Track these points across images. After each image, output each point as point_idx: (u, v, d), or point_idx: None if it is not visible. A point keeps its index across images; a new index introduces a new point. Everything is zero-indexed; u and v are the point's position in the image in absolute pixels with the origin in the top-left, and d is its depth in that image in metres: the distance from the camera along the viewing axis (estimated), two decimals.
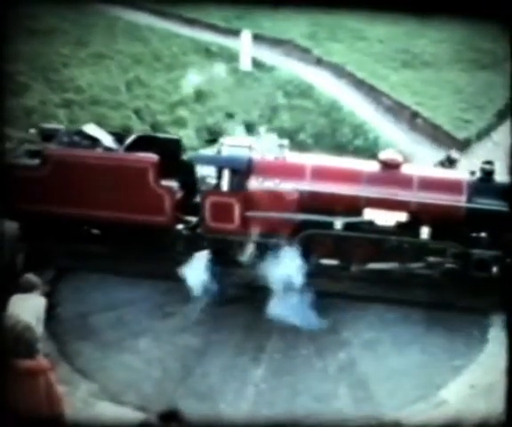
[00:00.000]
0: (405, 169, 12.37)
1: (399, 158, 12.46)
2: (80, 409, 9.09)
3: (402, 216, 12.00)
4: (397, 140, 19.23)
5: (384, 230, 12.04)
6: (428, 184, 12.12)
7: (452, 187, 12.08)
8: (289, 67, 22.62)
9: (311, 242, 12.28)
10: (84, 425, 8.63)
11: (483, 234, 12.12)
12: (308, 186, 12.17)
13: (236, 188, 12.35)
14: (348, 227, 12.08)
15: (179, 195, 12.85)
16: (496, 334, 10.91)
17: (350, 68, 22.22)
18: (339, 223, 12.03)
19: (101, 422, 8.66)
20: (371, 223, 12.03)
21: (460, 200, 11.90)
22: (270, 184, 12.26)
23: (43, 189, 12.92)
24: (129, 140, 13.51)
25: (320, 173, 12.25)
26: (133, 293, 12.68)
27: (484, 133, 19.14)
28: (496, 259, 11.84)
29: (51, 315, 10.07)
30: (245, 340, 11.46)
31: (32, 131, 14.05)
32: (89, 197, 12.79)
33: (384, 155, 12.59)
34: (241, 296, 12.38)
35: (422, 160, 18.36)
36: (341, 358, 11.06)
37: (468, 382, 9.95)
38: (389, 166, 12.27)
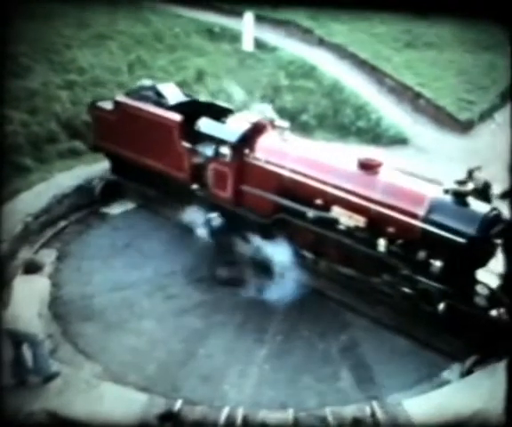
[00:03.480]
0: (381, 173, 11.48)
1: (376, 161, 11.64)
2: (83, 390, 9.12)
3: (360, 221, 11.27)
4: (400, 121, 19.23)
5: (346, 233, 11.46)
6: (391, 192, 11.09)
7: (413, 201, 10.84)
8: (291, 48, 22.56)
9: (285, 228, 12.31)
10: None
11: (437, 262, 10.45)
12: (286, 171, 12.18)
13: (232, 159, 12.67)
14: (319, 222, 11.78)
15: (196, 158, 13.38)
16: None
17: (353, 49, 22.16)
18: (310, 215, 11.80)
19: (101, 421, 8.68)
20: (335, 222, 11.55)
21: (418, 217, 10.71)
22: (259, 161, 12.50)
23: (112, 131, 14.87)
24: (179, 100, 14.57)
25: (301, 162, 12.15)
26: (136, 275, 12.72)
27: (487, 115, 19.12)
28: (442, 294, 10.38)
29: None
30: (247, 321, 11.48)
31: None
32: (138, 144, 14.36)
33: (363, 156, 11.83)
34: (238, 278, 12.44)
35: (425, 141, 18.43)
36: (343, 339, 11.08)
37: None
38: (364, 167, 11.53)
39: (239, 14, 22.77)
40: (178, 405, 8.77)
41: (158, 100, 14.48)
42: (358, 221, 11.23)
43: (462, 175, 15.68)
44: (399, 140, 18.60)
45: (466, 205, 10.57)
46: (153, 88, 14.84)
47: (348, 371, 10.32)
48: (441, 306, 10.34)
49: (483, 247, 10.32)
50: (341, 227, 11.44)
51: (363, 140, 18.67)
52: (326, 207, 11.63)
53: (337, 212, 11.47)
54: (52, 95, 17.90)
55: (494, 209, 10.58)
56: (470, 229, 10.22)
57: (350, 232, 11.35)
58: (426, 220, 10.60)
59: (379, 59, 21.62)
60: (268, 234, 12.44)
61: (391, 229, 10.89)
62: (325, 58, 22.17)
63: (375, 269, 11.26)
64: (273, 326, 11.29)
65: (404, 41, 23.05)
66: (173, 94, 14.79)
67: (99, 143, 15.46)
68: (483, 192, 11.75)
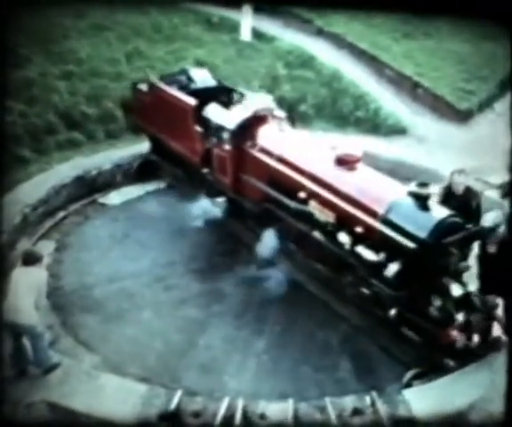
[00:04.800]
0: (356, 169, 11.30)
1: (354, 157, 11.40)
2: (83, 381, 9.12)
3: (330, 217, 11.08)
4: (399, 111, 19.21)
5: (319, 227, 11.32)
6: (357, 190, 10.80)
7: (375, 200, 10.49)
8: (290, 37, 22.51)
9: (271, 218, 12.41)
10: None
11: (393, 266, 9.89)
12: (274, 162, 12.19)
13: (231, 146, 12.83)
14: (298, 215, 11.73)
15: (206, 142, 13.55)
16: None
17: (351, 39, 22.12)
18: (291, 207, 11.77)
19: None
20: (311, 216, 11.45)
21: (377, 217, 10.33)
22: (254, 150, 12.58)
23: (146, 112, 15.56)
24: (205, 85, 14.86)
25: (288, 153, 12.12)
26: (135, 265, 12.73)
27: (486, 104, 19.10)
28: (394, 300, 10.02)
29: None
30: (246, 311, 11.49)
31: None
32: (165, 126, 14.94)
33: (342, 149, 11.57)
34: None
35: (424, 131, 18.41)
36: (343, 329, 11.09)
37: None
38: (341, 163, 11.33)
39: (237, 4, 22.69)
40: (175, 403, 8.73)
41: (187, 84, 14.85)
42: (329, 216, 11.09)
43: (461, 165, 15.77)
44: (398, 130, 18.60)
45: (425, 208, 10.08)
46: (185, 72, 15.33)
47: (348, 361, 10.33)
48: (392, 312, 10.02)
49: (436, 254, 9.66)
50: (316, 221, 11.35)
51: (361, 130, 18.67)
52: (307, 201, 11.50)
53: (312, 206, 11.38)
54: (49, 86, 17.85)
55: (453, 216, 9.99)
56: (422, 234, 9.71)
57: (322, 227, 11.24)
58: (383, 221, 10.19)
59: (377, 49, 21.58)
60: (260, 223, 12.63)
61: (358, 229, 10.51)
62: (324, 48, 22.11)
63: (342, 268, 11.07)
64: (272, 317, 11.30)
65: (402, 31, 22.99)
66: (202, 79, 15.12)
67: (137, 123, 16.43)
68: (463, 198, 10.95)
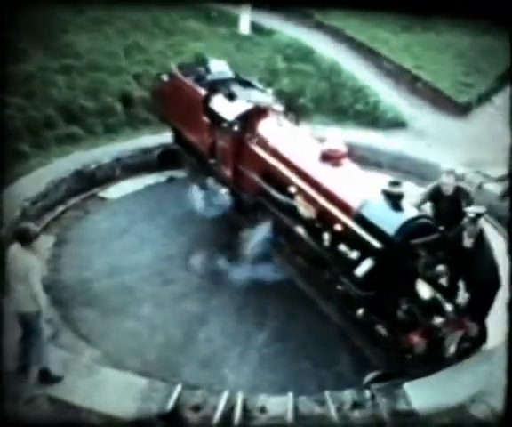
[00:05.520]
0: (341, 165, 11.11)
1: (339, 152, 11.23)
2: (84, 375, 9.13)
3: (312, 212, 11.01)
4: (398, 105, 19.21)
5: (302, 222, 11.26)
6: (335, 186, 10.65)
7: (349, 198, 10.30)
8: (288, 31, 22.49)
9: (263, 211, 12.43)
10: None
11: (364, 265, 9.61)
12: (267, 155, 12.20)
13: (231, 138, 12.90)
14: (285, 209, 11.71)
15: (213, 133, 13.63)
16: (496, 300, 10.90)
17: (350, 32, 22.10)
18: (279, 201, 11.76)
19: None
20: (295, 210, 11.41)
21: (349, 215, 10.16)
22: (252, 143, 12.62)
23: (167, 102, 15.87)
24: (220, 77, 14.82)
25: (280, 147, 12.09)
26: (135, 259, 12.74)
27: (485, 98, 19.10)
28: (360, 300, 9.79)
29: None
30: (246, 305, 11.49)
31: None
32: (181, 116, 15.10)
33: (327, 144, 11.43)
34: None
35: (423, 124, 18.41)
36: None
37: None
38: (325, 158, 11.18)
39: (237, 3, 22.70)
40: (173, 400, 8.73)
41: (204, 75, 14.86)
42: (311, 212, 11.03)
43: (460, 158, 15.81)
44: (397, 124, 18.61)
45: (397, 208, 9.78)
46: (204, 63, 15.43)
47: (348, 355, 10.34)
48: (359, 312, 9.77)
49: (403, 255, 9.40)
50: (300, 216, 11.31)
51: (361, 124, 18.68)
52: (295, 196, 11.44)
53: (298, 201, 11.33)
54: (48, 80, 17.83)
55: (424, 217, 9.76)
56: (389, 233, 9.48)
57: (306, 223, 11.18)
58: (355, 218, 10.00)
59: (376, 42, 21.58)
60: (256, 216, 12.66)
61: (337, 226, 10.34)
62: (323, 41, 22.10)
63: (320, 265, 10.95)
64: (272, 310, 11.31)
65: (401, 24, 22.98)
66: (218, 71, 15.13)
67: (162, 113, 16.51)
68: (453, 199, 10.76)
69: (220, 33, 22.56)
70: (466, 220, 9.60)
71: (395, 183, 9.97)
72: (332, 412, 8.61)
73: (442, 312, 9.34)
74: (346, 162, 11.24)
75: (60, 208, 14.38)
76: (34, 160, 15.21)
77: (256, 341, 10.66)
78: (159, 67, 19.49)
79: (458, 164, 15.41)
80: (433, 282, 9.71)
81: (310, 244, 11.00)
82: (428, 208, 11.02)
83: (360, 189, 10.43)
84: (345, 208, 10.26)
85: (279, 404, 8.80)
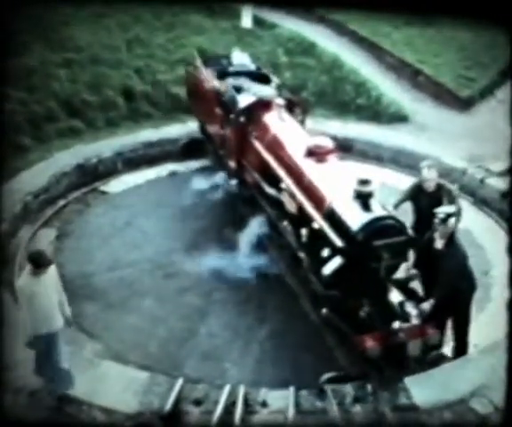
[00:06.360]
0: (325, 162, 10.87)
1: (324, 148, 11.03)
2: (85, 369, 9.13)
3: (294, 208, 10.93)
4: (400, 99, 19.17)
5: (287, 217, 11.18)
6: (312, 184, 10.50)
7: (321, 197, 10.13)
8: (290, 24, 22.43)
9: (256, 205, 12.53)
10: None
11: (331, 264, 9.36)
12: (262, 149, 12.19)
13: (234, 130, 13.08)
14: (273, 204, 11.73)
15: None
16: (499, 293, 10.90)
17: (352, 26, 22.04)
18: (268, 195, 11.77)
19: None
20: (281, 205, 11.37)
21: (320, 212, 9.98)
22: (252, 137, 12.64)
23: (192, 93, 16.46)
24: (240, 69, 15.11)
25: (274, 142, 12.08)
26: (136, 253, 12.75)
27: (487, 92, 19.03)
28: (323, 299, 9.64)
29: None
30: (248, 299, 11.50)
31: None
32: (201, 107, 15.58)
33: (314, 140, 11.32)
34: None
35: (425, 118, 18.37)
36: None
37: (472, 341, 9.96)
38: (311, 154, 10.99)
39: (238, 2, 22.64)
40: (174, 396, 8.72)
41: (225, 67, 15.14)
42: (293, 207, 10.94)
43: (462, 152, 15.79)
44: (399, 118, 18.54)
45: (365, 207, 9.46)
46: (227, 55, 15.78)
47: (346, 349, 10.31)
48: (323, 311, 9.53)
49: (365, 255, 9.12)
50: (285, 212, 11.25)
51: (362, 118, 18.62)
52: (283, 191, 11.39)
53: (284, 196, 11.27)
54: (50, 73, 17.82)
55: (390, 218, 9.38)
56: (352, 232, 9.22)
57: (290, 218, 11.10)
58: (325, 216, 9.80)
59: (378, 35, 21.51)
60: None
61: (314, 223, 10.18)
62: (325, 35, 22.04)
63: (297, 262, 10.85)
64: (274, 304, 11.31)
65: (403, 18, 22.90)
66: (239, 63, 15.43)
67: (189, 104, 16.99)
68: (434, 196, 10.38)
69: (221, 26, 22.50)
70: (436, 220, 9.32)
71: (364, 182, 9.59)
72: (334, 406, 8.61)
73: (404, 318, 9.14)
74: (331, 158, 11.02)
75: (62, 202, 14.38)
76: (35, 154, 15.21)
77: (257, 335, 10.67)
78: (161, 60, 19.52)
79: (460, 158, 15.50)
80: (401, 286, 9.58)
81: (289, 240, 10.99)
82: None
83: (336, 187, 10.18)
84: (318, 205, 10.11)
85: (280, 398, 8.80)
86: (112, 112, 17.63)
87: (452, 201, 10.31)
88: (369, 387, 8.90)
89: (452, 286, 9.18)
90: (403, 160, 16.05)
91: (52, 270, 8.40)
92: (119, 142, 16.37)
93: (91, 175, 15.25)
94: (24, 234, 12.81)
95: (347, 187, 9.85)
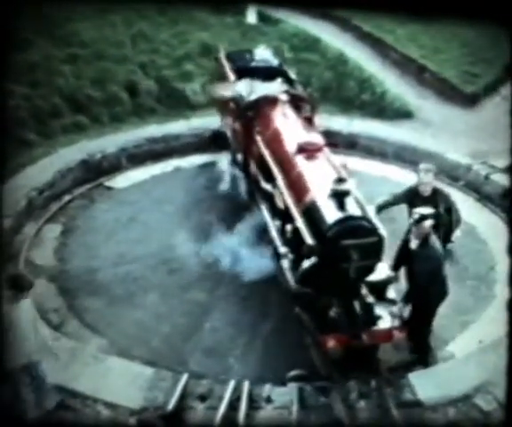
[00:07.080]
0: (314, 159, 10.74)
1: (314, 145, 10.93)
2: (90, 364, 9.17)
3: (281, 204, 10.81)
4: (404, 95, 19.14)
5: (277, 213, 11.16)
6: (297, 181, 10.43)
7: (302, 194, 10.02)
8: (295, 20, 22.41)
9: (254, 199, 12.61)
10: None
11: (308, 261, 9.34)
12: (261, 145, 12.19)
13: (241, 125, 13.24)
14: (266, 200, 11.76)
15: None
16: (503, 289, 10.88)
17: (356, 22, 22.00)
18: (262, 190, 11.81)
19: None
20: (272, 201, 11.35)
21: (299, 210, 9.88)
22: (256, 132, 12.63)
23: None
24: (259, 65, 15.20)
25: (272, 138, 12.08)
26: (141, 249, 12.76)
27: (491, 88, 18.99)
28: (294, 296, 9.68)
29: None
30: (251, 294, 11.48)
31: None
32: (220, 101, 15.44)
33: (306, 136, 11.28)
34: None
35: (430, 114, 18.35)
36: None
37: (476, 337, 9.98)
38: (301, 151, 10.84)
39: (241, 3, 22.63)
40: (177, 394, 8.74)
41: (247, 62, 15.26)
42: (281, 203, 10.87)
43: (466, 148, 15.76)
44: (404, 114, 18.50)
45: (340, 206, 9.22)
46: (250, 51, 16.04)
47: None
48: (296, 309, 9.67)
49: (335, 255, 8.95)
50: (275, 208, 11.23)
51: (367, 114, 18.59)
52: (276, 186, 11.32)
53: (275, 192, 11.23)
54: (54, 69, 17.85)
55: (363, 219, 9.15)
56: (321, 230, 9.11)
57: (279, 214, 11.06)
58: (302, 213, 9.74)
59: (382, 31, 21.48)
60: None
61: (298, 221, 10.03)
62: (329, 30, 22.01)
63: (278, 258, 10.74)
64: (278, 300, 11.29)
65: (405, 15, 22.85)
66: (261, 59, 15.49)
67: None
68: (430, 200, 10.24)
69: (226, 22, 22.50)
70: (411, 220, 9.33)
71: (340, 180, 9.47)
72: (338, 402, 8.63)
73: (372, 321, 9.14)
74: (321, 156, 10.90)
75: (67, 197, 14.38)
76: (40, 149, 15.23)
77: (261, 330, 10.68)
78: (165, 56, 19.53)
79: (464, 154, 15.49)
80: (376, 288, 9.50)
81: (274, 235, 11.00)
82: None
83: (317, 185, 10.00)
84: (298, 201, 10.06)
85: (284, 394, 8.82)
86: (117, 108, 17.65)
87: (447, 208, 10.37)
88: (373, 383, 8.92)
89: (421, 287, 9.12)
90: (407, 156, 16.04)
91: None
92: (124, 138, 16.37)
93: (95, 171, 15.25)
94: (29, 230, 12.84)
95: (327, 185, 9.67)
